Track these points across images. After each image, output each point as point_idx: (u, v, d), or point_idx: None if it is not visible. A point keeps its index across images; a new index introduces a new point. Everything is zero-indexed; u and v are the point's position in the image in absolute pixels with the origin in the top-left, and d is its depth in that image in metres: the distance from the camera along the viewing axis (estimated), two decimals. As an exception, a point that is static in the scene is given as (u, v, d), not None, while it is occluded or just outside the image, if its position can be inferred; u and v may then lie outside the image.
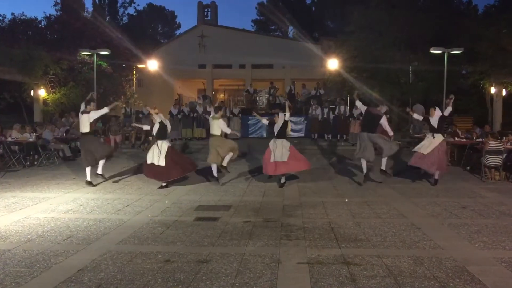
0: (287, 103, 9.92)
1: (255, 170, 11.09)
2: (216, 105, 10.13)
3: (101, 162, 9.44)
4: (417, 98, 20.13)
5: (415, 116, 9.91)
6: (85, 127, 9.20)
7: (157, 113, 9.20)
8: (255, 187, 9.29)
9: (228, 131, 9.66)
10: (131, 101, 22.41)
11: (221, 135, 9.49)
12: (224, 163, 9.40)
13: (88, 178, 9.36)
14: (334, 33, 28.17)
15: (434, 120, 9.30)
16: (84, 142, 9.38)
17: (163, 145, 9.01)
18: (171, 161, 8.97)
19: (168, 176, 8.99)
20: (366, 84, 19.54)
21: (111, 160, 12.98)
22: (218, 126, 9.34)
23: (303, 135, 18.06)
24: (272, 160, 8.95)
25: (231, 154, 9.36)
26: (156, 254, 4.92)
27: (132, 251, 5.05)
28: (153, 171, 9.01)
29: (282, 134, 9.19)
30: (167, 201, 7.81)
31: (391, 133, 9.53)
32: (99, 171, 9.49)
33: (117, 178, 10.19)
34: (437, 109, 9.40)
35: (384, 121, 9.27)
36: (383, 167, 9.43)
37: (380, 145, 9.15)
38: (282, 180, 9.31)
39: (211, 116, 9.61)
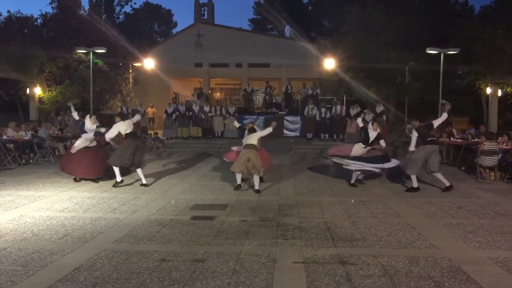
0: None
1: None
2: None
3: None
4: (413, 98, 20.24)
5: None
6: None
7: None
8: (251, 186, 9.27)
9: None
10: (128, 99, 22.40)
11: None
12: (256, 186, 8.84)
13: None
14: (331, 33, 28.25)
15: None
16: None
17: None
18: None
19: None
20: (362, 83, 19.61)
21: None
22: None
23: (299, 134, 18.09)
24: None
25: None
26: (152, 253, 4.92)
27: (128, 250, 5.04)
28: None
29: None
30: (166, 200, 7.80)
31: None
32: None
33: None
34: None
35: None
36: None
37: None
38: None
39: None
